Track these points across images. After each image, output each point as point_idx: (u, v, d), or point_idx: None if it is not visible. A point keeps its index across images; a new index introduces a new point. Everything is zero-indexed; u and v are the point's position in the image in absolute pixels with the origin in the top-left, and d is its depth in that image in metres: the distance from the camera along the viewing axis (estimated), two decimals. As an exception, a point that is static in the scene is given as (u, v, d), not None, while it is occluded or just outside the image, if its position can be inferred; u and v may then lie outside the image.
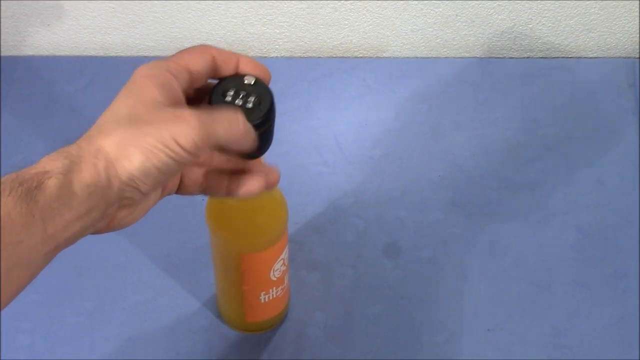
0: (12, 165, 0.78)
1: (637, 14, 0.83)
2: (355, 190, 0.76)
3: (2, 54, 0.86)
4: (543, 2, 0.81)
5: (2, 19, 0.84)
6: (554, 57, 0.87)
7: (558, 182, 0.77)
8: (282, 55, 0.87)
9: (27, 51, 0.87)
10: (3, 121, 0.81)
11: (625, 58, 0.86)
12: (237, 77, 0.45)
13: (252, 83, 0.45)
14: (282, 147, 0.79)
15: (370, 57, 0.87)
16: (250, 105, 0.44)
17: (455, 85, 0.84)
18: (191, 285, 0.70)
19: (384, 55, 0.87)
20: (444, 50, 0.86)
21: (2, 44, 0.86)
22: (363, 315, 0.69)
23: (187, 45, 0.90)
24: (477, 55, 0.86)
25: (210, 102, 0.44)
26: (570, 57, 0.87)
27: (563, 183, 0.77)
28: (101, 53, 0.87)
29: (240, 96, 0.44)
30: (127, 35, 0.85)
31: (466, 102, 0.82)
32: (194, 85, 0.44)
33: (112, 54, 0.87)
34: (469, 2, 0.81)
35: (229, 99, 0.44)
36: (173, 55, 0.44)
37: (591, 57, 0.87)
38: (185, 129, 0.39)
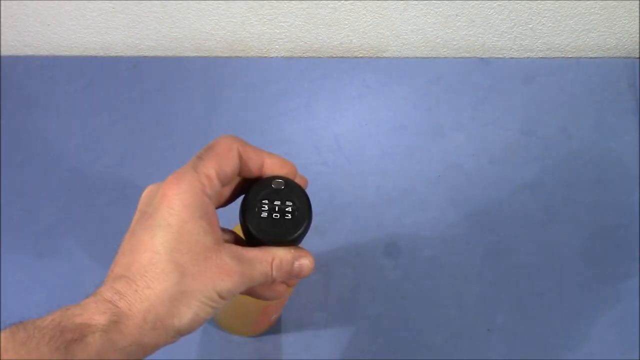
0: (12, 165, 0.78)
1: (637, 14, 0.83)
2: (355, 190, 0.76)
3: (2, 54, 0.86)
4: (543, 2, 0.81)
5: (2, 19, 0.84)
6: (554, 57, 0.87)
7: (558, 182, 0.77)
8: (282, 55, 0.87)
9: (27, 51, 0.87)
10: (3, 121, 0.81)
11: (625, 58, 0.86)
12: (266, 182, 0.42)
13: (283, 187, 0.42)
14: (282, 147, 0.79)
15: (370, 57, 0.87)
16: (288, 216, 0.42)
17: (455, 85, 0.84)
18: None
19: (384, 55, 0.87)
20: (444, 50, 0.86)
21: (2, 44, 0.86)
22: (363, 315, 0.69)
23: (187, 45, 0.90)
24: (477, 55, 0.86)
25: (244, 220, 0.42)
26: (570, 57, 0.87)
27: (563, 183, 0.77)
28: (101, 53, 0.87)
29: (276, 209, 0.42)
30: (127, 35, 0.85)
31: (466, 102, 0.82)
32: (222, 187, 0.42)
33: (112, 54, 0.87)
34: (469, 2, 0.81)
35: (264, 214, 0.42)
36: (200, 159, 0.41)
37: (591, 57, 0.87)
38: (228, 284, 0.39)
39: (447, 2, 0.81)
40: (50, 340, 0.35)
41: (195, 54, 0.86)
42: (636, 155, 0.79)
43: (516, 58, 0.87)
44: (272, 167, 0.43)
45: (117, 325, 0.37)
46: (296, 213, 0.42)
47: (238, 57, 0.86)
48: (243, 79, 0.83)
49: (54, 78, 0.84)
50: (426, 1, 0.81)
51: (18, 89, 0.83)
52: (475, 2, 0.81)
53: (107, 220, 0.74)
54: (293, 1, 0.81)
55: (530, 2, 0.81)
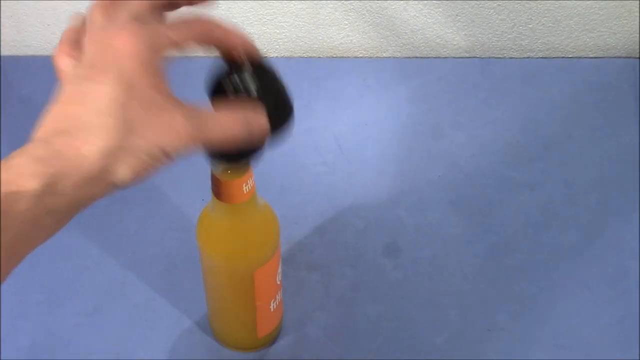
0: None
1: (637, 14, 0.83)
2: (355, 190, 0.76)
3: (2, 54, 0.86)
4: (543, 2, 0.81)
5: (2, 19, 0.84)
6: (554, 57, 0.87)
7: (558, 182, 0.77)
8: (282, 55, 0.87)
9: (27, 51, 0.87)
10: (3, 121, 0.81)
11: (625, 58, 0.86)
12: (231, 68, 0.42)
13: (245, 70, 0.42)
14: (282, 147, 0.78)
15: (370, 57, 0.87)
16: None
17: (455, 85, 0.84)
18: (191, 285, 0.70)
19: (384, 55, 0.87)
20: (444, 50, 0.86)
21: (2, 44, 0.86)
22: (363, 315, 0.69)
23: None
24: (477, 55, 0.86)
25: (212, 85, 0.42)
26: (570, 57, 0.87)
27: (563, 183, 0.77)
28: (101, 53, 0.87)
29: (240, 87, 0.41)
30: (127, 35, 0.85)
31: (466, 102, 0.82)
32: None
33: (112, 54, 0.87)
34: (469, 2, 0.81)
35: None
36: (169, 26, 0.41)
37: (591, 57, 0.87)
38: (174, 141, 0.38)
39: (447, 2, 0.81)
40: None
41: (195, 54, 0.86)
42: (636, 155, 0.79)
43: (516, 58, 0.87)
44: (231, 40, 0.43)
45: (52, 188, 0.35)
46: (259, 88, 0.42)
47: (238, 57, 0.86)
48: (243, 79, 0.83)
49: (54, 78, 0.84)
50: (426, 1, 0.81)
51: (18, 89, 0.83)
52: (475, 2, 0.81)
53: (107, 220, 0.74)
54: (293, 1, 0.81)
55: (530, 2, 0.81)
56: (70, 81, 0.39)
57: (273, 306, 0.62)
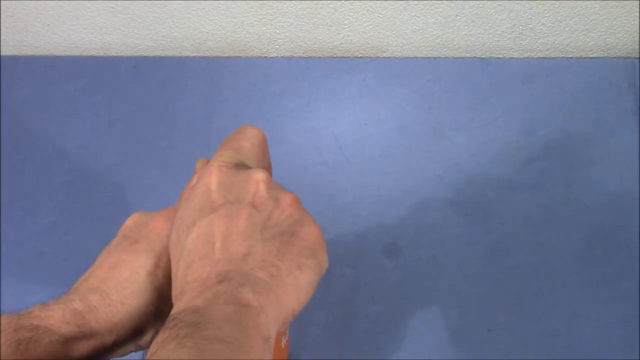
0: (12, 165, 0.78)
1: (637, 14, 0.83)
2: (355, 191, 0.76)
3: (2, 54, 0.86)
4: (543, 2, 0.81)
5: (2, 19, 0.84)
6: (554, 57, 0.87)
7: (558, 182, 0.77)
8: (282, 55, 0.87)
9: (27, 51, 0.87)
10: (3, 121, 0.81)
11: (625, 58, 0.86)
12: None
13: None
14: (282, 147, 0.79)
15: (370, 57, 0.87)
16: None
17: (455, 85, 0.84)
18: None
19: (384, 55, 0.87)
20: (444, 50, 0.86)
21: (2, 44, 0.86)
22: (363, 315, 0.69)
23: (187, 45, 0.90)
24: (477, 55, 0.86)
25: None
26: (570, 57, 0.87)
27: (563, 183, 0.77)
28: (101, 53, 0.87)
29: None
30: (127, 35, 0.85)
31: (466, 102, 0.82)
32: None
33: (112, 54, 0.87)
34: (469, 2, 0.81)
35: None
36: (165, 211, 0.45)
37: (591, 57, 0.87)
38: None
39: (447, 2, 0.81)
40: (6, 337, 0.37)
41: (195, 54, 0.86)
42: (636, 155, 0.79)
43: (516, 58, 0.87)
44: None
45: (79, 338, 0.39)
46: None
47: (238, 57, 0.86)
48: (243, 79, 0.83)
49: (54, 78, 0.84)
50: (426, 1, 0.81)
51: (18, 89, 0.83)
52: (475, 2, 0.81)
53: (107, 220, 0.74)
54: (293, 1, 0.81)
55: (530, 2, 0.81)
56: (109, 249, 0.44)
57: (284, 342, 0.61)
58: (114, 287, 0.41)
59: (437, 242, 0.73)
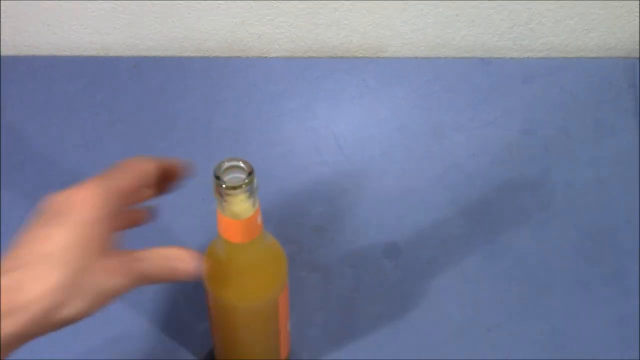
0: (12, 165, 0.78)
1: (637, 14, 0.83)
2: (355, 190, 0.76)
3: (2, 54, 0.86)
4: (543, 2, 0.81)
5: (2, 19, 0.84)
6: (554, 57, 0.87)
7: (558, 182, 0.77)
8: (282, 55, 0.87)
9: (27, 51, 0.87)
10: (3, 121, 0.81)
11: (625, 58, 0.86)
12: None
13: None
14: (282, 147, 0.79)
15: (370, 57, 0.87)
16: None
17: (455, 85, 0.84)
18: (191, 285, 0.70)
19: (384, 55, 0.87)
20: (444, 50, 0.86)
21: (2, 44, 0.86)
22: (363, 315, 0.69)
23: (187, 45, 0.90)
24: (477, 55, 0.86)
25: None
26: (570, 57, 0.87)
27: (563, 183, 0.77)
28: (101, 53, 0.87)
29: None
30: (127, 35, 0.85)
31: (466, 102, 0.82)
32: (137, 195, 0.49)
33: (112, 54, 0.87)
34: (469, 2, 0.81)
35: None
36: (105, 175, 0.46)
37: (591, 57, 0.87)
38: (120, 282, 0.44)
39: (447, 2, 0.81)
40: None
41: (195, 54, 0.86)
42: (636, 155, 0.79)
43: (516, 58, 0.86)
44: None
45: (6, 317, 0.39)
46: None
47: (238, 57, 0.86)
48: (243, 79, 0.83)
49: (54, 78, 0.84)
50: (426, 1, 0.81)
51: (18, 89, 0.83)
52: (475, 2, 0.81)
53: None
54: (293, 1, 0.81)
55: (530, 2, 0.81)
56: (36, 223, 0.44)
57: (289, 326, 0.61)
58: (37, 260, 0.41)
59: (437, 242, 0.73)
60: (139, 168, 0.48)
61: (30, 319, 0.40)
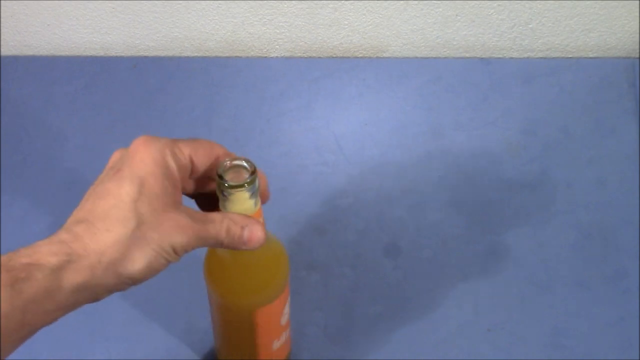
0: (12, 165, 0.78)
1: (637, 14, 0.83)
2: (355, 190, 0.76)
3: (2, 54, 0.86)
4: (543, 2, 0.81)
5: (2, 19, 0.84)
6: (554, 57, 0.87)
7: (558, 182, 0.77)
8: (282, 55, 0.87)
9: (27, 51, 0.87)
10: (3, 121, 0.81)
11: (625, 58, 0.86)
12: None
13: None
14: (282, 147, 0.79)
15: (370, 57, 0.87)
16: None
17: (455, 85, 0.84)
18: (192, 285, 0.70)
19: (384, 55, 0.87)
20: (444, 50, 0.86)
21: (2, 44, 0.86)
22: (363, 315, 0.69)
23: (187, 45, 0.90)
24: (477, 55, 0.86)
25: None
26: (570, 57, 0.87)
27: (563, 183, 0.77)
28: (101, 53, 0.87)
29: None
30: (127, 35, 0.85)
31: (466, 102, 0.82)
32: (190, 176, 0.47)
33: (112, 54, 0.87)
34: (469, 2, 0.81)
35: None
36: (181, 140, 0.46)
37: (591, 57, 0.87)
38: (180, 239, 0.43)
39: (447, 2, 0.81)
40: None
41: (195, 54, 0.86)
42: (636, 155, 0.79)
43: (516, 58, 0.87)
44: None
45: (69, 264, 0.39)
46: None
47: (238, 57, 0.86)
48: (243, 79, 0.83)
49: (54, 78, 0.84)
50: (426, 1, 0.81)
51: (18, 89, 0.83)
52: (475, 2, 0.81)
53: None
54: (293, 1, 0.81)
55: (530, 2, 0.81)
56: (97, 182, 0.44)
57: (276, 345, 0.60)
58: (99, 215, 0.41)
59: (437, 242, 0.73)
60: (209, 145, 0.48)
61: (96, 268, 0.40)
